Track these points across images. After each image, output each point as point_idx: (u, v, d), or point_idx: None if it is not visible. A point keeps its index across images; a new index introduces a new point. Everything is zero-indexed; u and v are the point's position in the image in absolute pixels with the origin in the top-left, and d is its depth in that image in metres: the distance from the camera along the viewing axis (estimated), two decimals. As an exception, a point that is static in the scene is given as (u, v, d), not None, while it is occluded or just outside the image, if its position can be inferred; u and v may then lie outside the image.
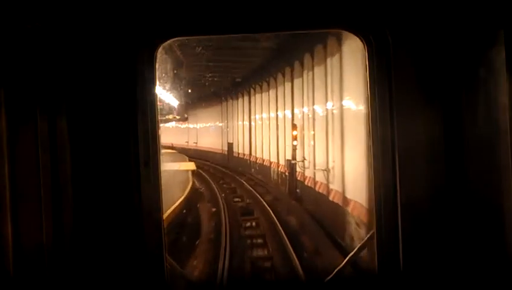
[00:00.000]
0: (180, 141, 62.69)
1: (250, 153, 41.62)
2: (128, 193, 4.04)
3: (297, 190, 25.47)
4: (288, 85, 29.40)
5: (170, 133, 62.27)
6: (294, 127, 26.41)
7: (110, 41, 3.97)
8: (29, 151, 3.74)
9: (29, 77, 3.75)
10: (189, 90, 46.48)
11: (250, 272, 15.26)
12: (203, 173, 39.98)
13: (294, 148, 26.02)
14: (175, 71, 31.50)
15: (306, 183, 24.20)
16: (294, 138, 25.93)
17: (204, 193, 30.85)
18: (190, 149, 60.38)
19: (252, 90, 40.58)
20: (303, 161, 24.62)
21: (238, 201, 28.11)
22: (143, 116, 4.07)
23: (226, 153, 50.17)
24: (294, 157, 26.13)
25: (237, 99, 46.21)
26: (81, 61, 3.97)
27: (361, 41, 4.08)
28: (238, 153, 45.73)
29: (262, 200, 26.44)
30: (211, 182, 35.34)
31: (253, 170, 40.02)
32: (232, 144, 48.66)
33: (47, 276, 3.77)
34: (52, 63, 3.90)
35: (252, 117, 41.22)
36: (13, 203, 3.64)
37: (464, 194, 3.81)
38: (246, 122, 43.03)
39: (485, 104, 3.62)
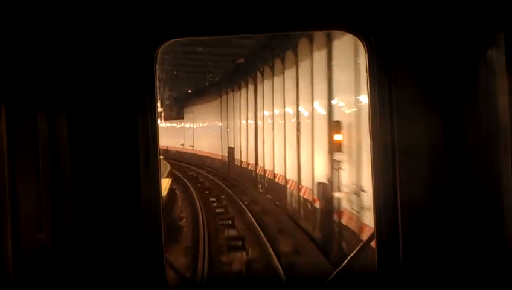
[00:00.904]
0: (175, 143, 56.01)
1: (257, 163, 30.36)
2: (127, 193, 4.03)
3: (343, 245, 13.60)
4: (320, 56, 17.65)
5: (165, 134, 55.35)
6: (335, 127, 14.19)
7: (110, 42, 4.00)
8: (29, 151, 3.77)
9: (29, 77, 3.79)
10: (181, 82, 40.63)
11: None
12: (191, 189, 30.23)
13: (336, 167, 13.99)
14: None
15: (365, 237, 12.37)
16: (337, 147, 13.79)
17: (178, 232, 19.42)
18: (186, 153, 53.78)
19: (258, 75, 28.94)
20: (358, 195, 12.57)
21: (234, 249, 16.76)
22: (143, 117, 4.06)
23: (226, 159, 40.75)
24: (335, 183, 14.12)
25: (239, 89, 34.71)
26: (82, 61, 3.99)
27: (362, 42, 4.10)
28: (241, 162, 35.29)
29: (272, 252, 15.02)
30: (198, 205, 24.94)
31: (260, 187, 29.16)
32: (233, 149, 38.70)
33: (46, 276, 3.78)
34: (53, 63, 3.94)
35: (259, 114, 29.86)
36: (13, 203, 3.62)
37: (464, 194, 3.83)
38: (251, 121, 31.91)
39: (485, 104, 3.61)
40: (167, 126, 58.21)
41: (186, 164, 47.51)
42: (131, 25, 3.95)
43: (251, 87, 31.25)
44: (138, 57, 3.99)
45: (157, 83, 4.28)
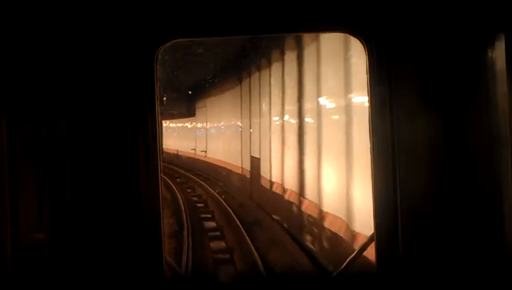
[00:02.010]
0: (186, 147, 46.99)
1: (302, 194, 16.83)
2: (128, 193, 4.11)
3: None
4: None
5: (175, 134, 48.89)
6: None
7: (111, 43, 4.08)
8: (29, 151, 3.81)
9: (30, 78, 3.85)
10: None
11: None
12: (185, 223, 18.38)
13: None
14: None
15: None
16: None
17: None
18: (198, 160, 42.89)
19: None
20: None
21: None
22: (143, 117, 4.15)
23: (248, 175, 28.36)
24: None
25: (269, 66, 21.07)
26: (82, 62, 4.09)
27: (362, 43, 4.15)
28: (272, 183, 22.36)
29: None
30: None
31: (311, 240, 15.78)
32: (258, 160, 25.63)
33: (45, 276, 3.82)
34: (53, 64, 4.03)
35: (308, 104, 16.31)
36: (13, 205, 3.66)
37: (464, 194, 3.87)
38: (292, 119, 18.39)
39: (485, 104, 3.65)
40: (178, 126, 49.92)
41: (195, 176, 36.70)
42: (132, 26, 4.05)
43: (291, 57, 17.63)
44: (139, 57, 4.10)
45: (158, 83, 4.28)
